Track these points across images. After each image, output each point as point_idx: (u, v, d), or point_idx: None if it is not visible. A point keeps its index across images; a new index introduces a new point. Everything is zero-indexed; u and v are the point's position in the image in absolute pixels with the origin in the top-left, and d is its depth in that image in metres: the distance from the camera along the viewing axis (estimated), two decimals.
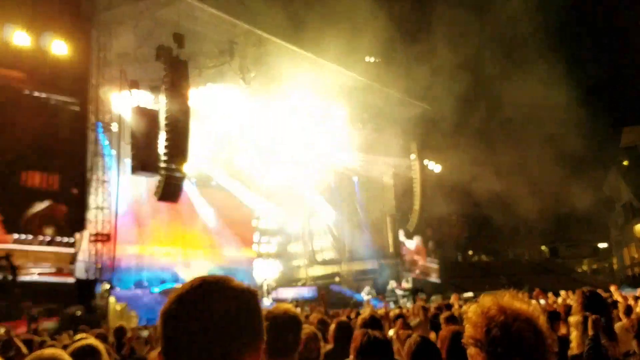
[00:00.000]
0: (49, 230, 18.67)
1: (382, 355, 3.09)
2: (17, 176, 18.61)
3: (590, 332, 3.55)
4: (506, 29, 32.38)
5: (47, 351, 2.54)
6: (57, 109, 19.63)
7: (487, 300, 1.72)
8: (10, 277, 16.39)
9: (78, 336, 5.79)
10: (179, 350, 1.22)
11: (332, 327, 4.73)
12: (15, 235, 17.90)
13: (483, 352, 1.64)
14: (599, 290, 7.02)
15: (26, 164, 18.74)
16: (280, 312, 2.64)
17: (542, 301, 7.10)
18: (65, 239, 19.04)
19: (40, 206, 18.77)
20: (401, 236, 33.18)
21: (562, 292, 10.88)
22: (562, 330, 5.58)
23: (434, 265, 35.99)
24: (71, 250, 18.95)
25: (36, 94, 19.22)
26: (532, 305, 1.71)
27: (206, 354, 1.20)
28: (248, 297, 1.29)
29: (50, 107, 19.31)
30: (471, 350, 1.69)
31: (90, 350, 2.90)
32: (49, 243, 18.65)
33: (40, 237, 18.45)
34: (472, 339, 1.69)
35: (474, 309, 1.73)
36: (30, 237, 18.21)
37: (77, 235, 18.84)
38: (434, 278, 34.21)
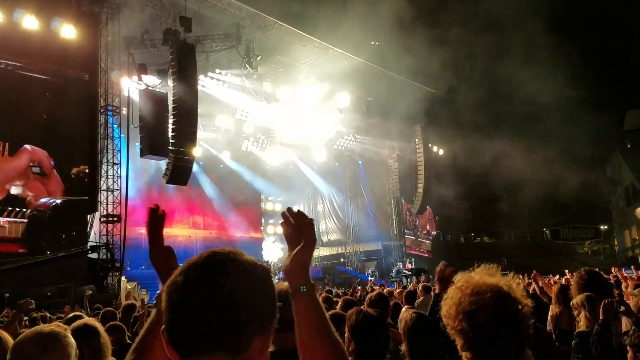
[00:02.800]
0: None
1: (376, 332, 3.05)
2: None
3: (602, 316, 3.53)
4: (510, 12, 32.28)
5: (47, 327, 2.48)
6: (66, 92, 19.81)
7: (459, 279, 1.75)
8: None
9: (72, 314, 5.80)
10: (183, 326, 1.11)
11: (339, 304, 5.03)
12: None
13: (452, 331, 1.70)
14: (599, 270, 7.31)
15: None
16: (284, 287, 2.84)
17: (540, 283, 7.36)
18: None
19: None
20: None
21: (567, 272, 11.26)
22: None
23: (427, 241, 36.53)
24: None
25: (46, 77, 19.39)
26: (503, 279, 1.72)
27: (213, 331, 1.10)
28: (260, 272, 1.19)
29: (59, 91, 19.49)
30: (448, 330, 1.72)
31: (88, 330, 2.82)
32: None
33: None
34: (444, 319, 1.73)
35: (449, 290, 1.76)
36: None
37: (89, 216, 19.18)
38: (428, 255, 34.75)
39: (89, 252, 18.05)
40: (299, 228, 1.53)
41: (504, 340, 1.63)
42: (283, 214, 1.58)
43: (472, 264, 1.88)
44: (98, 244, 18.51)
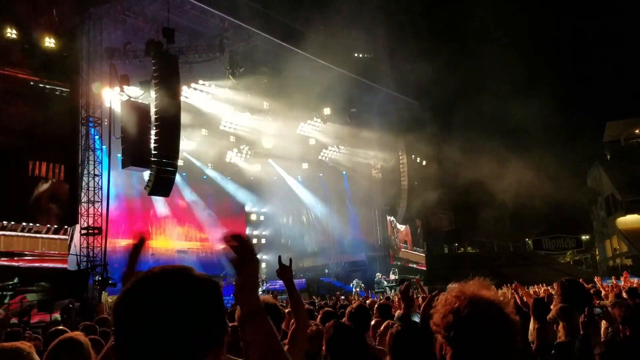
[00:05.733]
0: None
1: (351, 345, 3.02)
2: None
3: (582, 331, 3.52)
4: (493, 27, 32.82)
5: (8, 344, 2.45)
6: (48, 102, 19.60)
7: (453, 288, 1.73)
8: None
9: (54, 328, 5.59)
10: (132, 344, 1.09)
11: (319, 317, 4.98)
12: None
13: (443, 338, 1.67)
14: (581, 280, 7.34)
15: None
16: (268, 300, 2.83)
17: (520, 292, 7.38)
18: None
19: (43, 186, 18.74)
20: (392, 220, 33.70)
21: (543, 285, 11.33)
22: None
23: (419, 253, 36.66)
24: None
25: (26, 88, 19.18)
26: (498, 293, 1.72)
27: (162, 349, 1.07)
28: (209, 288, 1.17)
29: (41, 101, 19.27)
30: (439, 338, 1.70)
31: (71, 344, 2.76)
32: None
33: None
34: (435, 326, 1.71)
35: (441, 298, 1.74)
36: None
37: (69, 228, 18.90)
38: (421, 267, 34.91)
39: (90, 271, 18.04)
40: (240, 251, 1.49)
41: (496, 355, 1.62)
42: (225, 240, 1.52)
43: (456, 274, 1.87)
44: (101, 264, 18.33)
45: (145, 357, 1.08)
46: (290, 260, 3.05)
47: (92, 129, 19.46)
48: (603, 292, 8.20)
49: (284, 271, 2.98)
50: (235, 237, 1.52)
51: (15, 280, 16.95)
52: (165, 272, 1.16)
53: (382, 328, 4.44)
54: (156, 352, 1.07)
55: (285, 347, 2.85)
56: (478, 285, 1.71)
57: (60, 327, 5.17)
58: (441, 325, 1.67)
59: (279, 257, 3.04)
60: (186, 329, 1.09)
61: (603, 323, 4.31)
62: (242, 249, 1.50)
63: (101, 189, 19.22)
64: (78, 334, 3.03)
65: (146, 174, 19.23)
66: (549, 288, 10.18)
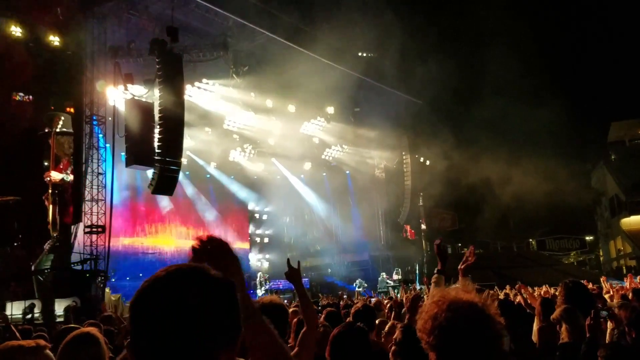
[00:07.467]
0: None
1: (356, 344, 2.98)
2: None
3: (588, 334, 3.55)
4: (497, 25, 32.74)
5: (25, 341, 2.44)
6: (50, 101, 19.65)
7: (434, 294, 1.77)
8: None
9: (63, 326, 5.70)
10: (148, 343, 1.10)
11: (322, 316, 4.99)
12: None
13: (426, 344, 1.71)
14: (585, 282, 7.32)
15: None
16: (267, 301, 2.82)
17: (525, 294, 7.36)
18: None
19: None
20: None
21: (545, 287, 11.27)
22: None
23: None
24: None
25: (30, 86, 19.24)
26: (478, 296, 1.72)
27: (178, 348, 1.08)
28: (225, 288, 1.18)
29: (43, 100, 19.33)
30: (423, 343, 1.73)
31: (88, 339, 2.76)
32: None
33: None
34: (419, 332, 1.74)
35: (425, 304, 1.78)
36: None
37: (73, 226, 18.91)
38: None
39: None
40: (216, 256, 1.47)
41: (477, 357, 1.64)
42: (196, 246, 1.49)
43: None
44: (102, 258, 18.34)
45: (159, 356, 1.10)
46: (299, 262, 3.03)
47: (96, 127, 19.47)
48: (610, 293, 8.18)
49: (293, 274, 2.96)
50: (207, 240, 1.50)
51: None
52: (180, 270, 1.17)
53: (387, 328, 4.44)
54: (170, 350, 1.09)
55: (295, 349, 2.85)
56: (459, 290, 1.74)
57: (72, 325, 5.21)
58: (423, 331, 1.71)
59: (288, 260, 3.02)
60: (200, 328, 1.10)
61: (609, 324, 4.29)
62: (215, 250, 1.48)
63: (105, 187, 19.23)
64: (93, 329, 3.04)
65: (150, 173, 19.24)
66: (548, 291, 10.15)
